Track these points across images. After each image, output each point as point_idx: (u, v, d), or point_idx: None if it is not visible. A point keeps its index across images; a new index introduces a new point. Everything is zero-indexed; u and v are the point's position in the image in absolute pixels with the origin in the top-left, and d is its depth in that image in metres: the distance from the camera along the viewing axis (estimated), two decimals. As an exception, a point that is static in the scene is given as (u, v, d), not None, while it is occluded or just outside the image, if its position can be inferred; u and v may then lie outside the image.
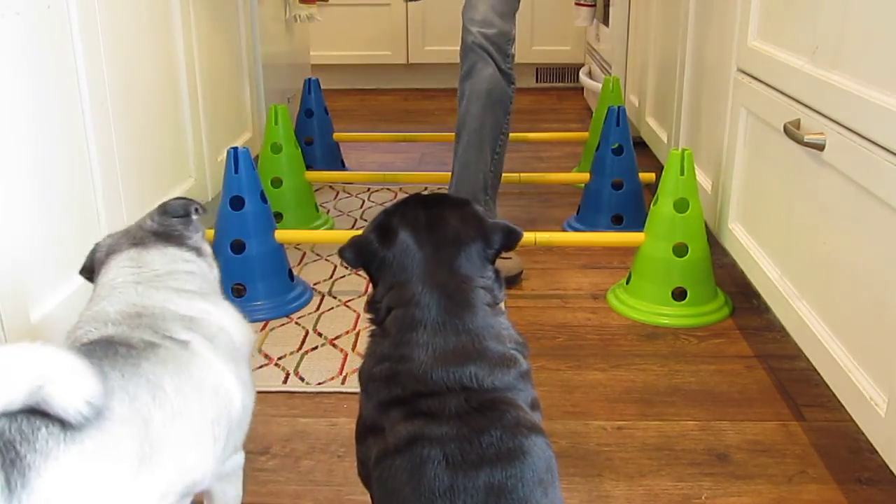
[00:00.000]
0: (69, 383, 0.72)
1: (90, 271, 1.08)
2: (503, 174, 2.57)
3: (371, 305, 0.98)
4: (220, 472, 1.01)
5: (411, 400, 0.88)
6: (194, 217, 1.13)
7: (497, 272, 0.99)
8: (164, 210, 1.11)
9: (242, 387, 1.00)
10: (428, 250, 0.95)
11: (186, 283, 1.04)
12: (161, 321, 0.95)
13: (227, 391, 0.97)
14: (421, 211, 0.98)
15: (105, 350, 0.86)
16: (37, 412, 0.71)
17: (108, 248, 1.08)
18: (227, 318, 1.04)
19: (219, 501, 1.08)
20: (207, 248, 1.15)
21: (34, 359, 0.71)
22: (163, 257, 1.05)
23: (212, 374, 0.95)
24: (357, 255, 0.99)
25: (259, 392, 1.56)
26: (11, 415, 0.70)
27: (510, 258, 2.03)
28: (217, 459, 0.95)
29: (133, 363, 0.85)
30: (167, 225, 1.10)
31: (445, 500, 0.80)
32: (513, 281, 2.03)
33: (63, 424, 0.72)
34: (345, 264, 2.04)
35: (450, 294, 0.93)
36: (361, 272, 2.08)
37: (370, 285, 2.03)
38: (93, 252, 1.10)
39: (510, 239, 0.99)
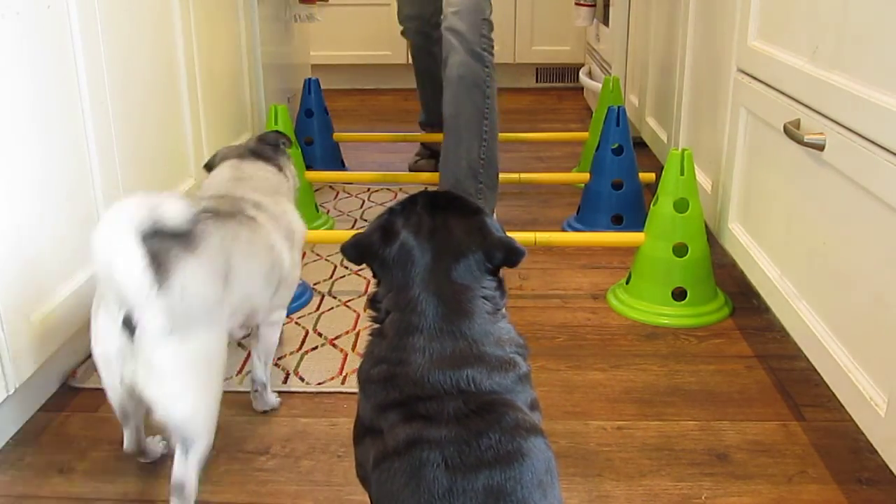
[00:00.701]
0: (173, 204, 1.14)
1: (210, 168, 1.57)
2: (503, 173, 2.55)
3: (372, 303, 0.98)
4: (267, 320, 1.46)
5: (409, 403, 0.87)
6: (282, 145, 1.62)
7: (500, 280, 0.98)
8: (260, 138, 1.62)
9: (291, 260, 1.45)
10: (428, 257, 0.95)
11: (262, 184, 1.49)
12: (239, 202, 1.40)
13: (279, 253, 1.40)
14: (426, 216, 0.98)
15: (205, 213, 1.29)
16: (165, 236, 1.13)
17: (221, 156, 1.56)
18: (290, 211, 1.50)
19: (262, 342, 1.50)
20: (289, 168, 1.61)
21: (148, 195, 1.13)
22: (252, 166, 1.52)
23: (270, 238, 1.39)
24: (359, 254, 0.99)
25: (259, 392, 1.57)
26: (150, 237, 1.10)
27: None
28: (268, 302, 1.40)
29: (222, 220, 1.31)
30: (260, 147, 1.58)
31: (444, 502, 0.80)
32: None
33: (185, 244, 1.16)
34: (346, 263, 2.04)
35: (447, 302, 0.92)
36: (362, 271, 2.09)
37: (370, 285, 2.02)
38: (214, 156, 1.58)
39: (511, 257, 0.97)
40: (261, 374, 1.50)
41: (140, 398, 1.18)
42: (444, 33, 2.10)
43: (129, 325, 1.12)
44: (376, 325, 0.97)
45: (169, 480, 1.31)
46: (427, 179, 2.63)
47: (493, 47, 2.16)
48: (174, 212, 1.15)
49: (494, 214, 2.32)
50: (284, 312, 1.52)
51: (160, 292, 1.11)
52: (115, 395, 1.22)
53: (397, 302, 0.94)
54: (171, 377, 1.14)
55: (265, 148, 1.58)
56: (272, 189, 1.50)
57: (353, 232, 2.36)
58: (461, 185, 2.20)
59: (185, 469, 1.18)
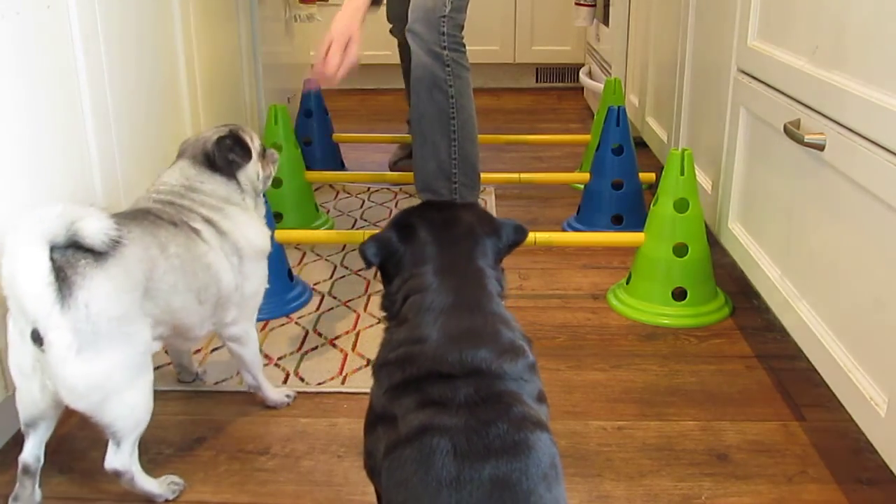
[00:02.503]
0: (93, 220, 1.09)
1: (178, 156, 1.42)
2: (503, 173, 2.56)
3: (387, 299, 1.01)
4: (225, 335, 1.41)
5: (424, 382, 0.88)
6: (234, 161, 1.41)
7: (503, 271, 1.04)
8: (220, 144, 1.39)
9: (237, 274, 1.35)
10: (445, 242, 1.01)
11: (210, 197, 1.36)
12: (185, 212, 1.31)
13: (216, 270, 1.31)
14: (436, 211, 1.05)
15: (139, 215, 1.25)
16: (78, 248, 1.08)
17: (181, 152, 1.42)
18: (242, 224, 1.37)
19: (238, 360, 1.46)
20: (251, 173, 1.43)
21: (69, 207, 1.09)
22: (201, 175, 1.37)
23: (209, 255, 1.29)
24: (379, 249, 1.02)
25: (259, 392, 1.57)
26: (61, 249, 1.07)
27: None
28: (204, 318, 1.31)
29: (153, 228, 1.23)
30: (213, 155, 1.39)
31: (451, 490, 0.80)
32: None
33: (95, 257, 1.10)
34: (346, 262, 2.04)
35: (465, 280, 0.98)
36: (362, 272, 2.09)
37: (370, 285, 2.02)
38: (183, 145, 1.43)
39: (518, 234, 1.06)
40: (250, 379, 1.49)
41: (57, 408, 1.18)
42: (406, 32, 2.08)
43: (37, 339, 1.08)
44: (392, 319, 1.00)
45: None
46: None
47: (460, 44, 2.09)
48: (93, 230, 1.09)
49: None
50: (246, 329, 1.42)
51: (63, 309, 1.06)
52: (28, 404, 1.17)
53: (417, 285, 0.97)
54: (89, 391, 1.12)
55: (219, 156, 1.39)
56: (222, 200, 1.37)
57: (354, 232, 2.35)
58: (432, 186, 2.19)
59: (121, 459, 1.19)
